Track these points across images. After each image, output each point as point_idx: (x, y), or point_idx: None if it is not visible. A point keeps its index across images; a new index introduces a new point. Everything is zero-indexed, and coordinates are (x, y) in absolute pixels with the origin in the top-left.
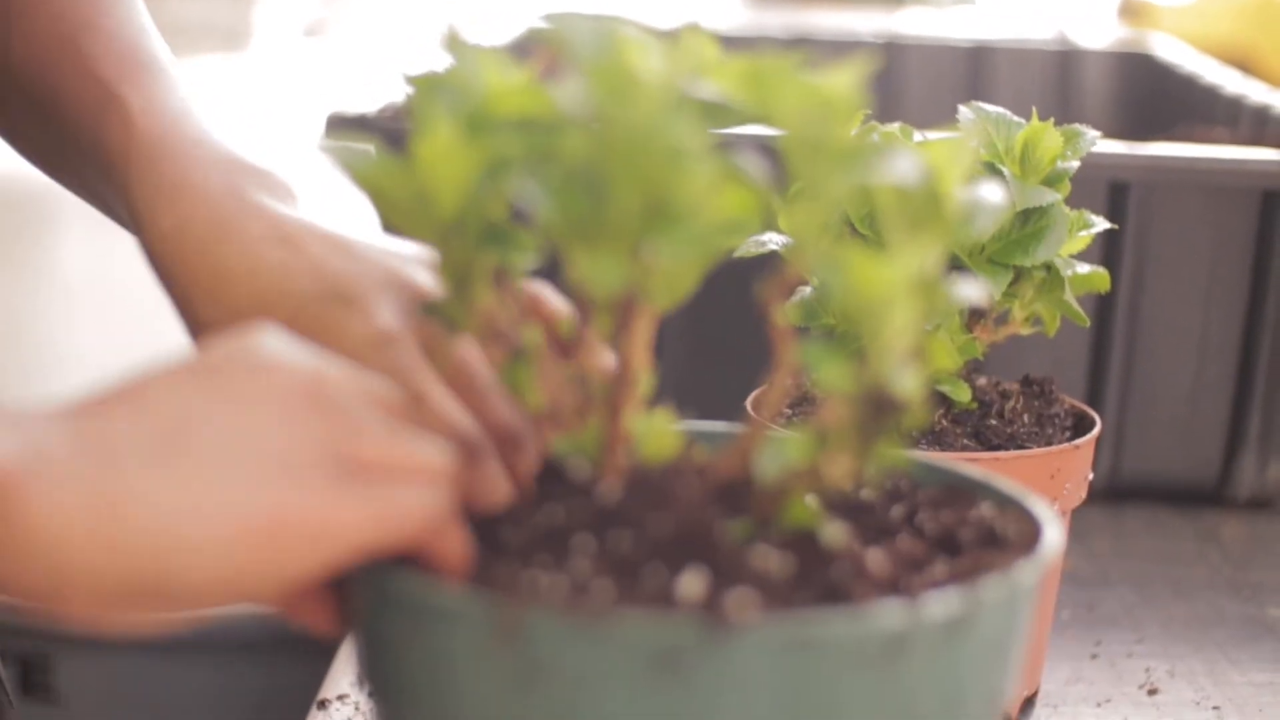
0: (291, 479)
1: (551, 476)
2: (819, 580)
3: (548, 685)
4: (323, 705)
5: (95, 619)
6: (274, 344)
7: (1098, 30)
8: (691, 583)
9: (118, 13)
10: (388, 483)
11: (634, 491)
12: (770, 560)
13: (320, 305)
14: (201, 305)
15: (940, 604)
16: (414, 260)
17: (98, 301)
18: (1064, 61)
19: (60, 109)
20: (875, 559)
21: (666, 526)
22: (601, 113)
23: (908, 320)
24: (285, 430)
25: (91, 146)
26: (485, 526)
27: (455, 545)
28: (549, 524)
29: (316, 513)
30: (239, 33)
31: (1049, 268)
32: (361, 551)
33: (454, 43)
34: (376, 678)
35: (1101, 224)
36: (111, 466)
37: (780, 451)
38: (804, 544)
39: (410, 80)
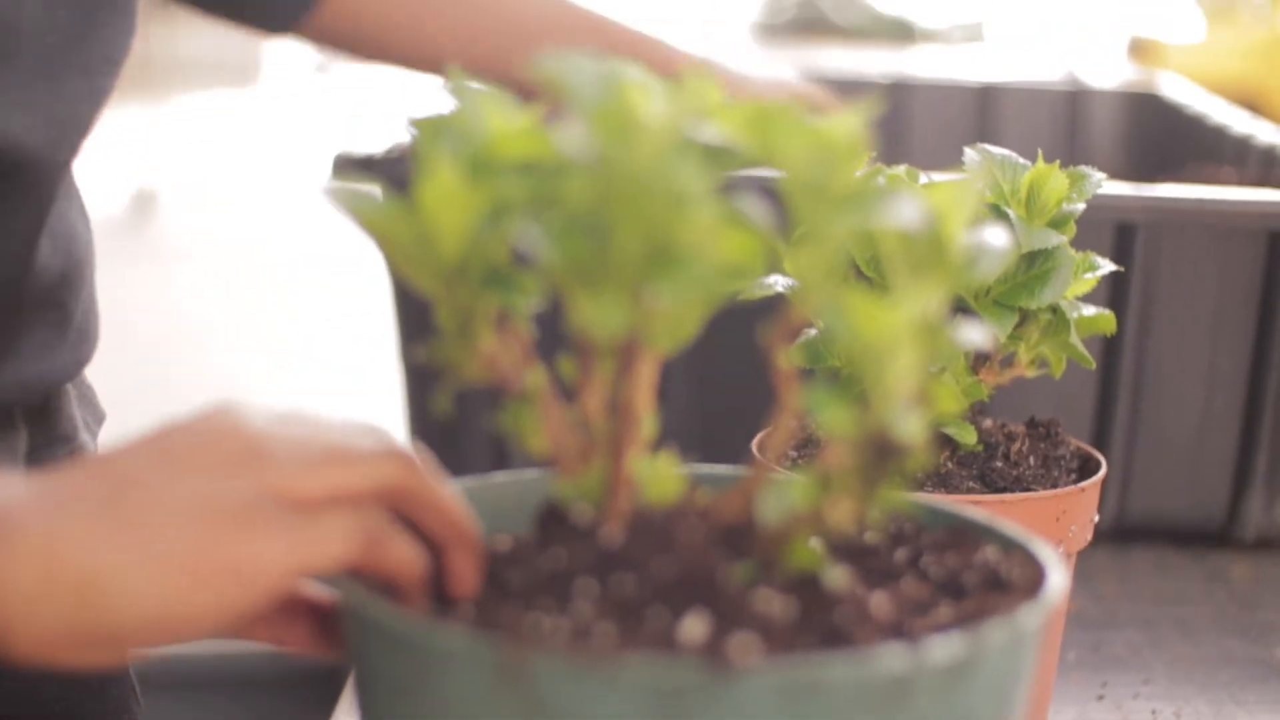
0: (214, 524)
1: (554, 520)
2: (822, 624)
3: None
4: None
5: (40, 660)
6: (228, 415)
7: (1107, 69)
8: (694, 626)
9: None
10: (312, 512)
11: (637, 535)
12: (773, 604)
13: None
14: None
15: (944, 647)
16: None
17: (107, 334)
18: (1072, 101)
19: None
20: (879, 602)
21: (669, 570)
22: (603, 156)
23: (911, 363)
24: (216, 485)
25: None
26: (491, 569)
27: (399, 555)
28: (552, 567)
29: (235, 549)
30: (249, 68)
31: (1055, 310)
32: (290, 576)
33: (458, 86)
34: (379, 718)
35: (1107, 266)
36: (59, 519)
37: (783, 495)
38: (807, 587)
39: (413, 123)
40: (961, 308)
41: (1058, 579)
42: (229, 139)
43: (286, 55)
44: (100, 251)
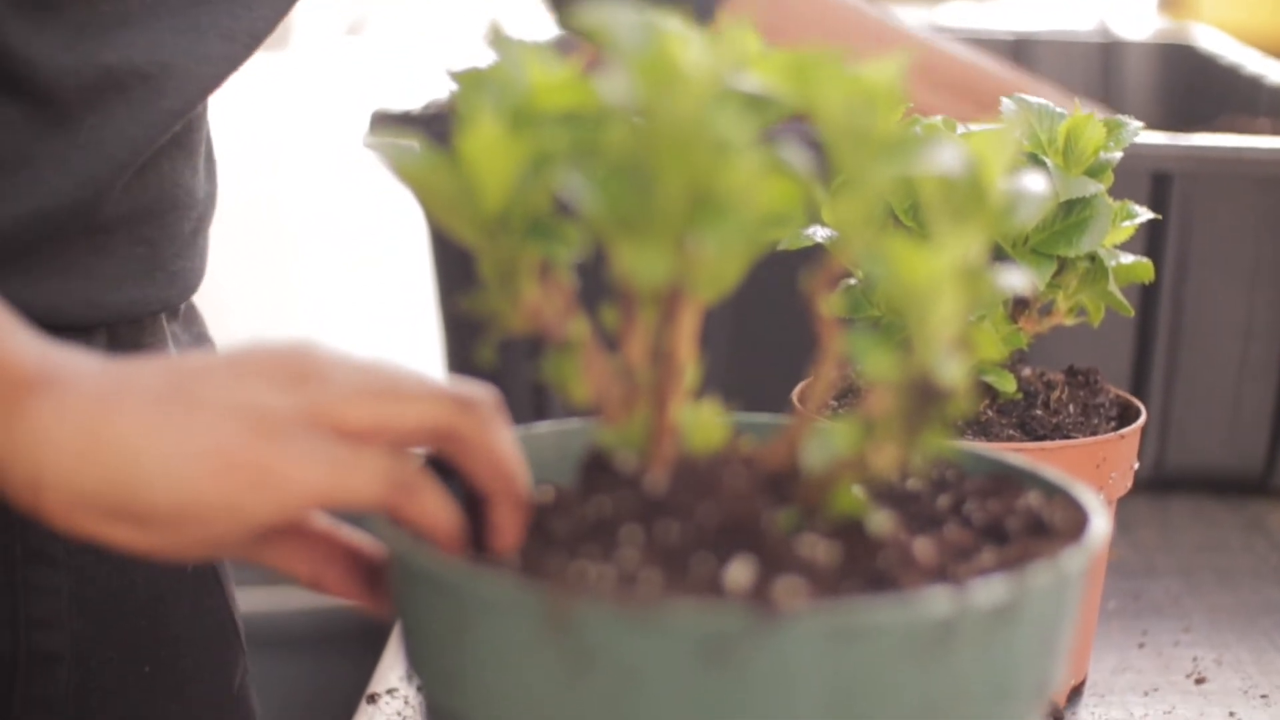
0: (253, 428)
1: (597, 468)
2: (866, 569)
3: (598, 675)
4: (372, 699)
5: (66, 523)
6: (303, 343)
7: (1139, 21)
8: (739, 572)
9: None
10: (351, 444)
11: (681, 482)
12: (817, 549)
13: None
14: None
15: (988, 591)
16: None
17: None
18: (1105, 53)
19: None
20: (922, 548)
21: (714, 517)
22: (646, 105)
23: (953, 310)
24: (266, 396)
25: None
26: (535, 519)
27: (426, 506)
28: (596, 515)
29: (265, 454)
30: (280, 31)
31: (1093, 258)
32: (313, 498)
33: (498, 38)
34: (424, 668)
35: (1145, 214)
36: (115, 396)
37: (827, 441)
38: (851, 533)
39: (454, 76)
40: (1000, 256)
41: (1100, 523)
42: (261, 102)
43: (318, 17)
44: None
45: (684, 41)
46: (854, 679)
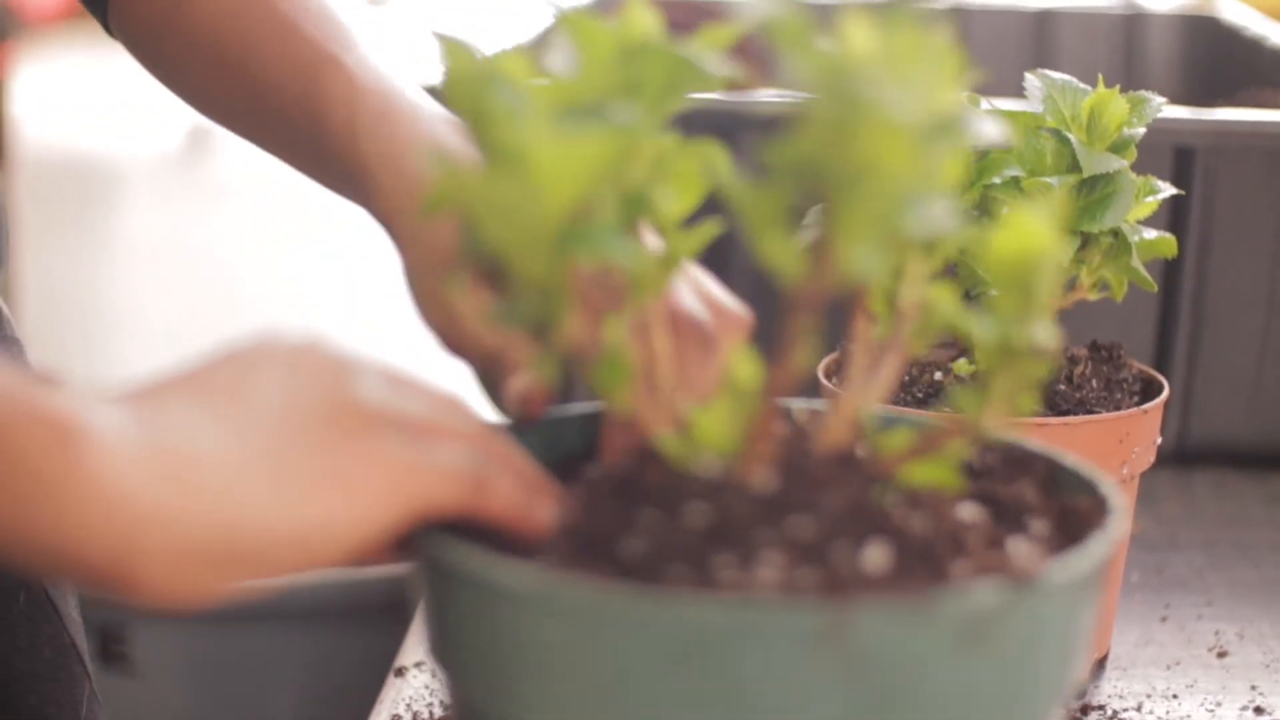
0: (344, 433)
1: (663, 476)
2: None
3: (875, 677)
4: (400, 673)
5: (168, 587)
6: (312, 339)
7: None
8: (876, 556)
9: None
10: (426, 439)
11: (793, 478)
12: (921, 524)
13: None
14: (430, 232)
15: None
16: None
17: (164, 268)
18: (1129, 26)
19: (259, 67)
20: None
21: (838, 506)
22: (837, 95)
23: (1054, 274)
24: (324, 393)
25: (301, 101)
26: (609, 540)
27: (504, 499)
28: (704, 523)
29: (366, 454)
30: None
31: (1116, 234)
32: (412, 498)
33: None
34: (518, 698)
35: (1168, 190)
36: (166, 422)
37: (958, 404)
38: (923, 504)
39: (564, 21)
40: None
41: (1120, 511)
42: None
43: None
44: (156, 188)
45: (858, 29)
46: (1073, 629)
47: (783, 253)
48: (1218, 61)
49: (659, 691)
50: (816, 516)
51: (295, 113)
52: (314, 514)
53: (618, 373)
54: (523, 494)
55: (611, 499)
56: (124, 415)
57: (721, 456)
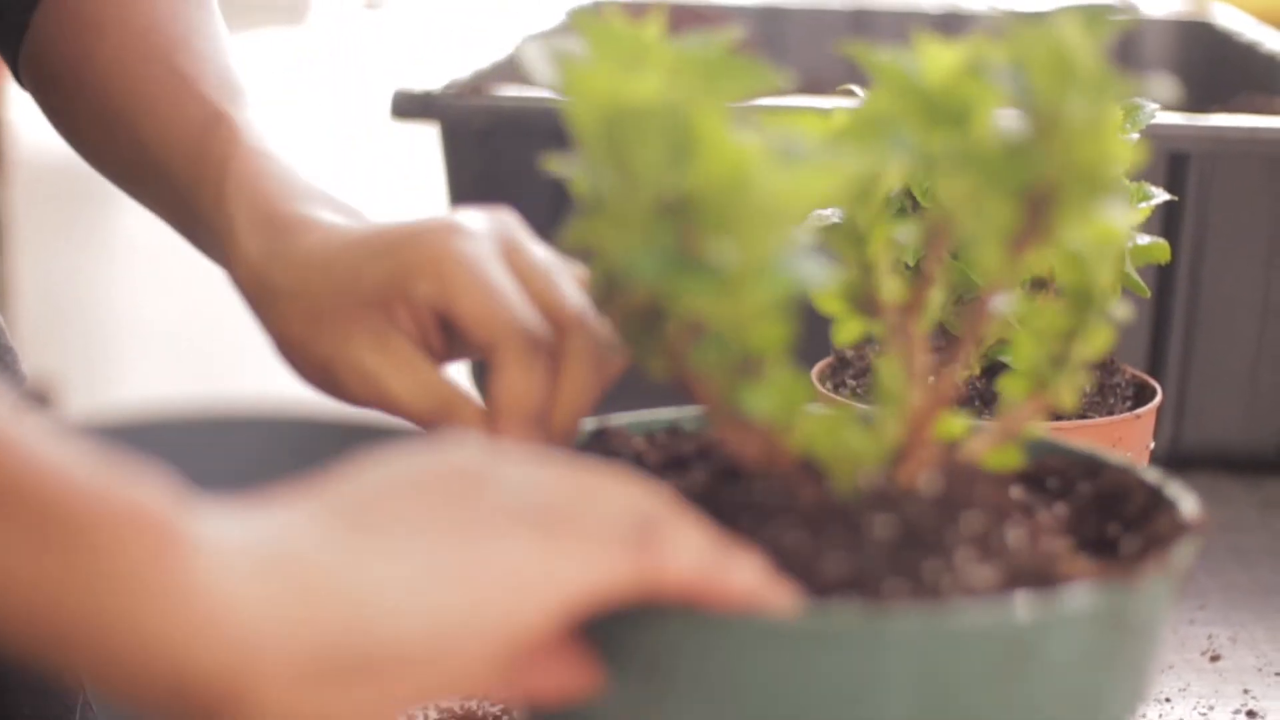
0: (481, 533)
1: (820, 491)
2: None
3: (1140, 646)
4: None
5: (285, 711)
6: (440, 448)
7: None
8: (1056, 545)
9: (209, 32)
10: (577, 515)
11: (952, 481)
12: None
13: (402, 227)
14: (279, 278)
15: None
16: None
17: (163, 270)
18: (1123, 30)
19: (152, 121)
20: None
21: (994, 504)
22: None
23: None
24: (457, 500)
25: (186, 160)
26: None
27: (687, 549)
28: (893, 534)
29: (514, 557)
30: (298, 6)
31: None
32: (573, 594)
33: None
34: None
35: (1162, 196)
36: (277, 526)
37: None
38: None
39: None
40: None
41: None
42: (279, 76)
43: None
44: None
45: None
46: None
47: (995, 261)
48: (1212, 67)
49: (984, 697)
50: (983, 512)
51: (179, 171)
52: (449, 613)
53: (794, 398)
54: (711, 553)
55: (783, 521)
56: (224, 516)
57: (874, 466)
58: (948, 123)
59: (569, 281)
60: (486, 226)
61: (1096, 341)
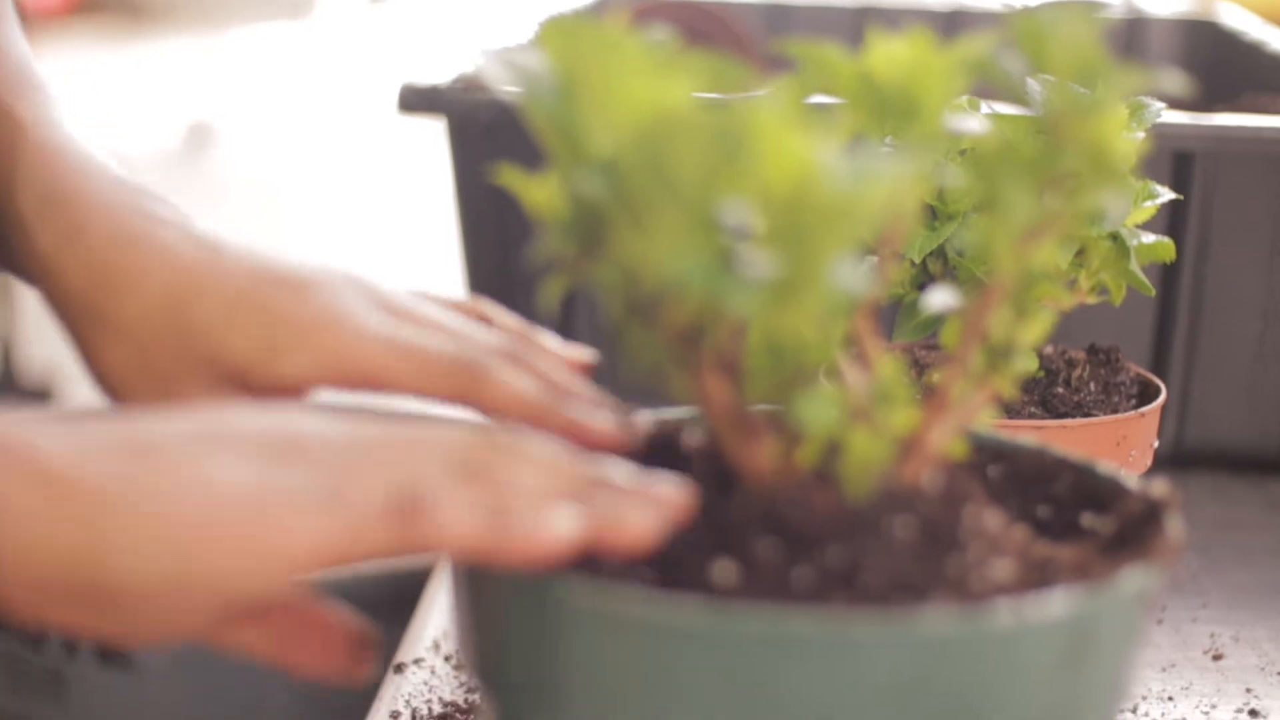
0: (234, 488)
1: (832, 500)
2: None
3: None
4: (399, 669)
5: (37, 615)
6: (276, 413)
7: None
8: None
9: (2, 31)
10: (340, 476)
11: (949, 481)
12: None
13: (270, 289)
14: (109, 306)
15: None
16: (346, 271)
17: None
18: (1129, 29)
19: None
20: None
21: (982, 495)
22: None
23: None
24: (237, 459)
25: None
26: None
27: (457, 526)
28: (915, 534)
29: (254, 514)
30: (302, 1)
31: (1114, 238)
32: (316, 557)
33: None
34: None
35: (1166, 194)
36: (80, 456)
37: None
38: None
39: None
40: None
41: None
42: (284, 71)
43: None
44: (155, 184)
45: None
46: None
47: (1008, 255)
48: (1218, 66)
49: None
50: (977, 506)
51: None
52: (174, 564)
53: (827, 410)
54: (492, 517)
55: (810, 532)
56: (39, 439)
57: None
58: (897, 116)
59: (435, 305)
60: (362, 292)
61: (1036, 330)
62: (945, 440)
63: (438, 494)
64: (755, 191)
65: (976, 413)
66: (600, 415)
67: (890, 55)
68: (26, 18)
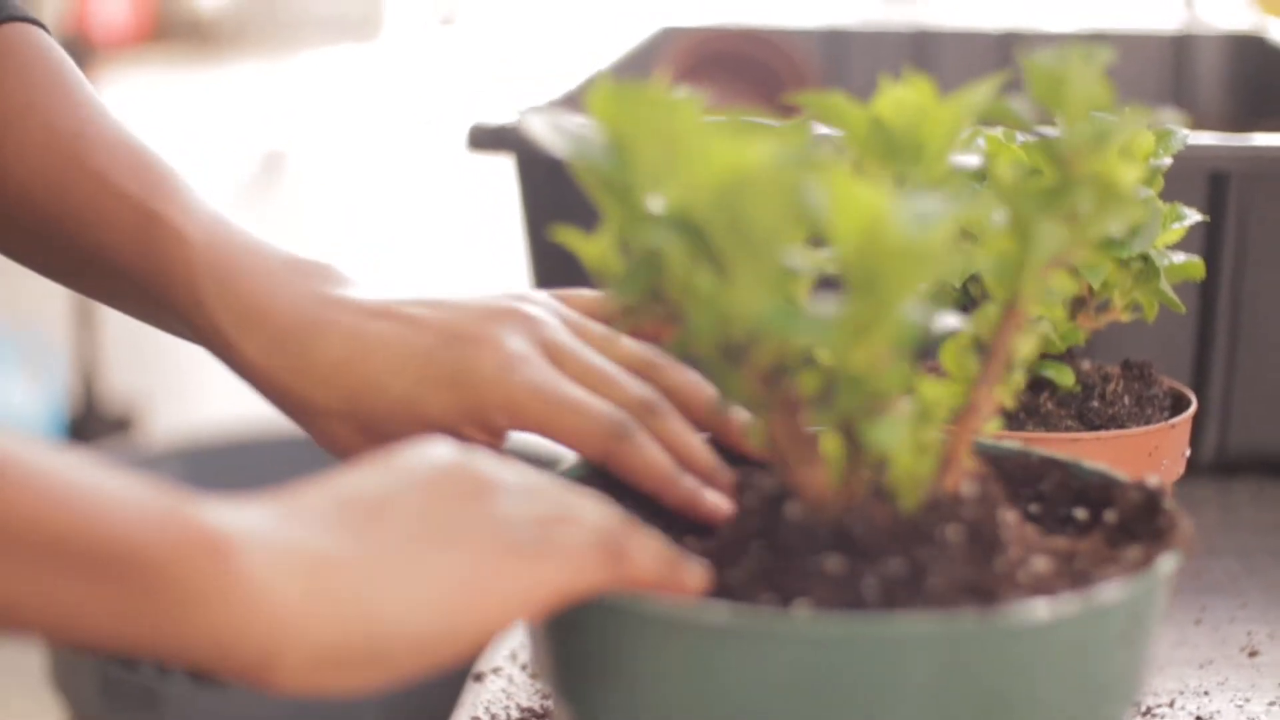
0: (479, 544)
1: (886, 513)
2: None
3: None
4: (478, 677)
5: (305, 686)
6: (444, 449)
7: (1227, 14)
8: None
9: (104, 116)
10: (558, 528)
11: (984, 488)
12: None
13: (447, 351)
14: (316, 395)
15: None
16: (509, 298)
17: None
18: (1178, 47)
19: (81, 227)
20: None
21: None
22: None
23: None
24: (461, 510)
25: (135, 265)
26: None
27: (647, 559)
28: (966, 537)
29: (508, 576)
30: (371, 22)
31: (1145, 258)
32: (545, 601)
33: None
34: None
35: (1194, 216)
36: (307, 530)
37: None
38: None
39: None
40: None
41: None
42: (354, 95)
43: (410, 7)
44: (230, 211)
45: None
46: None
47: (1034, 281)
48: (1266, 83)
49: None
50: (1009, 511)
51: (134, 276)
52: (450, 618)
53: (897, 433)
54: (666, 558)
55: (874, 539)
56: (266, 523)
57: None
58: (904, 157)
59: (622, 343)
60: (527, 337)
61: (1029, 346)
62: (959, 451)
63: (635, 536)
64: (830, 239)
65: (983, 424)
66: (710, 494)
67: (897, 101)
68: (97, 47)
